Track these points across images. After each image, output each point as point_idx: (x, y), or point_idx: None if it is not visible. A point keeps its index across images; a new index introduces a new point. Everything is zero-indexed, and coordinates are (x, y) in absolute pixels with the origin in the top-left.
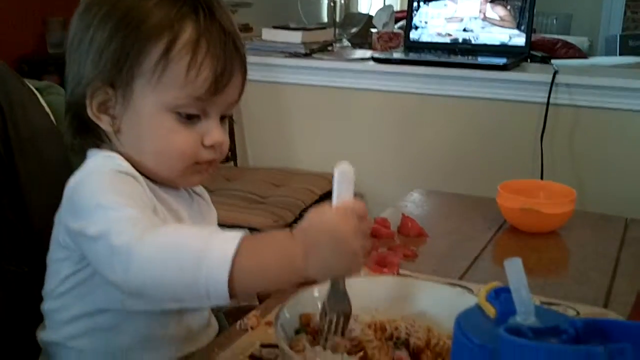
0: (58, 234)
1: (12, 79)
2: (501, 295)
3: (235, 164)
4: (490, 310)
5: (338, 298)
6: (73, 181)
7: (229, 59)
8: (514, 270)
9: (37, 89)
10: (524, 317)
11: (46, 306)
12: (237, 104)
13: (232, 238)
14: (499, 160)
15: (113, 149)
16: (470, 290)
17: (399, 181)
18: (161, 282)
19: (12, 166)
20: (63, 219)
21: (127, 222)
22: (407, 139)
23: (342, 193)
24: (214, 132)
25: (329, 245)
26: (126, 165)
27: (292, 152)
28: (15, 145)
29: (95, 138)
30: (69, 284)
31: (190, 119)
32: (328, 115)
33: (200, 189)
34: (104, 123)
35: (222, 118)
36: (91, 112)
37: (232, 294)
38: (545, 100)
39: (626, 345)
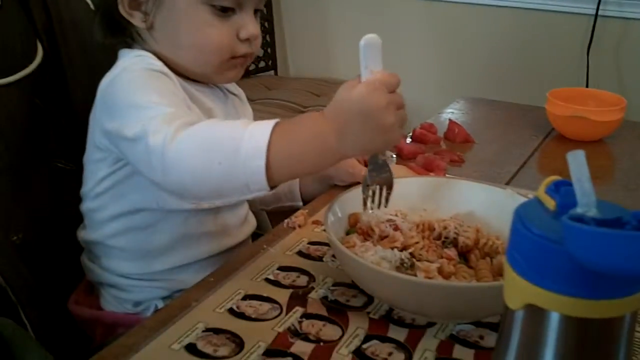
0: (94, 135)
1: None
2: (561, 188)
3: (276, 73)
4: (550, 203)
5: (378, 169)
6: (105, 81)
7: None
8: (577, 162)
9: None
10: (586, 208)
11: (85, 206)
12: None
13: (266, 125)
14: (544, 71)
15: (145, 48)
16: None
17: (443, 91)
18: (200, 177)
19: (58, 58)
20: (98, 119)
21: (162, 121)
22: (452, 49)
23: (369, 65)
24: (249, 25)
25: (360, 121)
26: (159, 64)
27: (333, 62)
28: (59, 36)
29: (126, 37)
30: (105, 185)
31: (225, 12)
32: (370, 24)
33: (235, 88)
34: (136, 19)
35: (255, 12)
36: (123, 9)
37: (271, 181)
38: (594, 12)
39: None
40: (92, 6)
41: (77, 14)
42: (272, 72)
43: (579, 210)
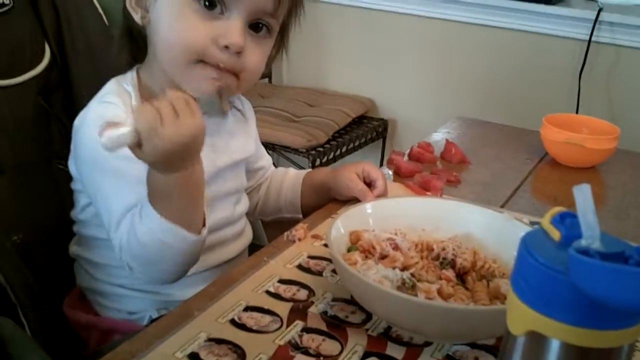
0: (71, 165)
1: None
2: (566, 220)
3: (270, 81)
4: (555, 233)
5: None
6: (78, 121)
7: None
8: (583, 195)
9: None
10: (590, 241)
11: (75, 228)
12: (274, 18)
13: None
14: (536, 94)
15: (140, 69)
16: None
17: (436, 109)
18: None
19: (64, 61)
20: (72, 156)
21: (119, 221)
22: (446, 68)
23: None
24: (232, 33)
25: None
26: (124, 117)
27: (327, 73)
28: (67, 40)
29: (134, 49)
30: (88, 213)
31: (210, 9)
32: (366, 38)
33: (242, 102)
34: (138, 16)
35: (254, 27)
36: (129, 4)
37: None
38: (587, 37)
39: None
40: (100, 11)
41: (86, 20)
42: (266, 80)
43: (583, 242)
